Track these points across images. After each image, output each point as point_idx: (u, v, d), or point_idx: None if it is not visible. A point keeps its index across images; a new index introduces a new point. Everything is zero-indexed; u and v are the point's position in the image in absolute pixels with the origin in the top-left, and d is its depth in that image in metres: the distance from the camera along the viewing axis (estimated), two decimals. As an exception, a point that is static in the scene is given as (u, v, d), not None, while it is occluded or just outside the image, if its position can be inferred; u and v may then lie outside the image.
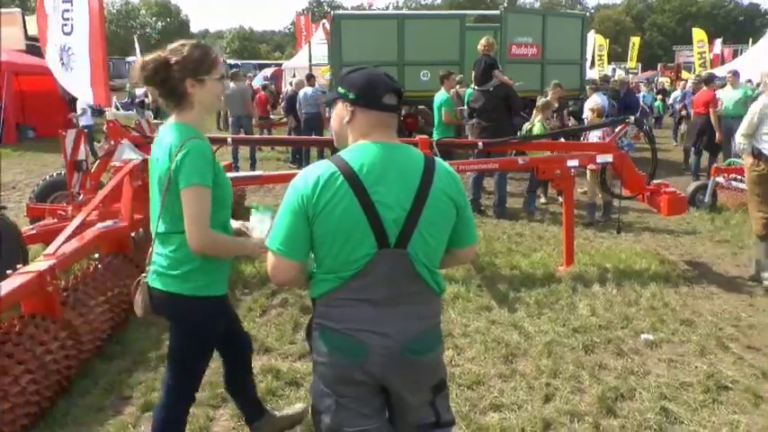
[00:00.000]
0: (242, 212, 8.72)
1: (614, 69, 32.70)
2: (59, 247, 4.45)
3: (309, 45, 22.82)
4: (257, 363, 4.37)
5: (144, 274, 2.78)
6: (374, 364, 2.12)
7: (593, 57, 29.41)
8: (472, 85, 9.42)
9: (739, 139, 6.19)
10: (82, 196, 6.36)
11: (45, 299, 3.93)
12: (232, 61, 49.89)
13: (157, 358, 4.42)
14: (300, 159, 13.16)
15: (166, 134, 2.63)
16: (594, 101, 10.90)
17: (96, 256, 5.17)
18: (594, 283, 5.98)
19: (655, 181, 6.84)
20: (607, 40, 33.86)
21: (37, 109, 18.08)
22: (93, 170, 6.65)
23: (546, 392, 3.97)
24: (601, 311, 5.32)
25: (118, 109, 20.32)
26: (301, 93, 13.15)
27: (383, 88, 2.14)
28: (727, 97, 12.78)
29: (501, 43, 12.80)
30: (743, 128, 6.10)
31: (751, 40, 34.26)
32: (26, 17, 20.94)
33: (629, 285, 5.92)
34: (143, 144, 6.43)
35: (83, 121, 12.87)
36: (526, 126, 9.55)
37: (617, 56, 49.29)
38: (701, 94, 12.14)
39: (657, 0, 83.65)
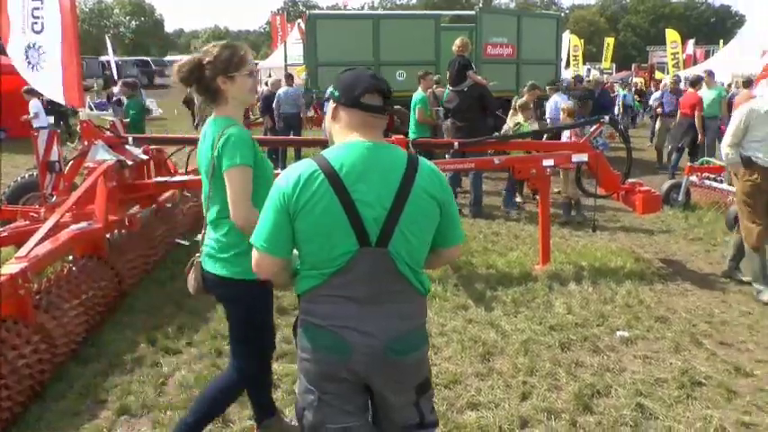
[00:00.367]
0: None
1: (589, 70, 32.91)
2: (32, 249, 4.37)
3: (285, 45, 22.70)
4: (234, 364, 4.35)
5: (198, 254, 2.96)
6: (357, 362, 2.14)
7: (568, 57, 29.64)
8: (447, 86, 9.47)
9: (726, 150, 5.79)
10: (55, 198, 6.27)
11: (17, 302, 3.85)
12: (207, 61, 49.74)
13: (133, 361, 4.38)
14: (277, 159, 13.09)
15: (208, 129, 2.85)
16: (555, 101, 11.04)
17: (70, 258, 5.10)
18: (570, 281, 6.03)
19: (629, 180, 6.92)
20: (582, 41, 34.14)
21: (8, 109, 17.77)
22: (65, 171, 6.56)
23: (523, 390, 3.99)
24: (577, 309, 5.36)
25: (92, 109, 20.06)
26: (280, 92, 13.07)
27: (364, 88, 2.16)
28: (703, 97, 12.98)
29: (476, 43, 12.87)
30: (728, 138, 5.74)
31: (722, 42, 34.80)
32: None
33: (604, 283, 5.97)
34: (117, 145, 6.35)
35: (36, 123, 12.69)
36: (509, 125, 9.57)
37: (592, 56, 49.77)
38: (687, 95, 12.28)
39: (631, 1, 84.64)
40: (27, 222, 5.99)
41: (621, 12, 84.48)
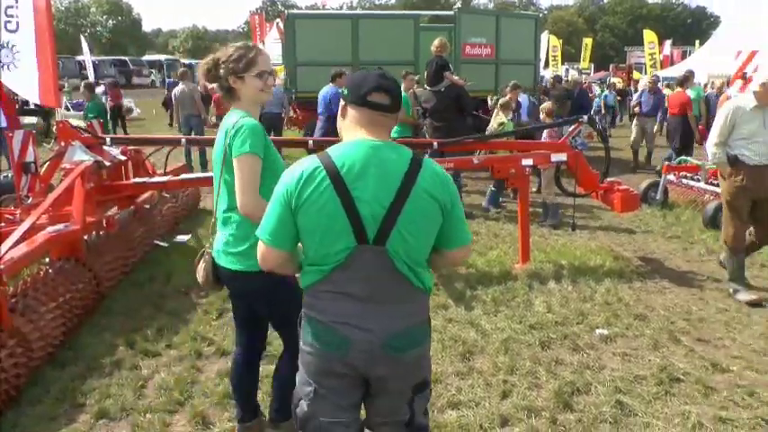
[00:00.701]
0: (197, 214, 8.60)
1: (567, 70, 33.20)
2: (7, 251, 4.32)
3: (263, 45, 22.63)
4: (213, 366, 4.33)
5: (208, 245, 3.04)
6: (356, 358, 2.18)
7: (547, 57, 29.83)
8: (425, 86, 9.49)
9: (712, 150, 5.68)
10: (31, 199, 6.19)
11: (-8, 305, 3.80)
12: (186, 60, 49.27)
13: (112, 364, 4.33)
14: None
15: (225, 121, 2.94)
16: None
17: (47, 260, 5.04)
18: (550, 279, 6.07)
19: (608, 179, 6.97)
20: (560, 41, 34.37)
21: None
22: (41, 172, 6.48)
23: (503, 389, 4.00)
24: (557, 308, 5.39)
25: (68, 109, 19.83)
26: None
27: (371, 87, 2.19)
28: (681, 97, 13.13)
29: (455, 43, 12.90)
30: (714, 137, 5.64)
31: (698, 42, 35.21)
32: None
33: (584, 282, 6.01)
34: (95, 145, 6.29)
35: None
36: (494, 125, 9.60)
37: (570, 56, 50.09)
38: (676, 95, 12.43)
39: (609, 2, 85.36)
40: (2, 224, 5.91)
41: (599, 12, 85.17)
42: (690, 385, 4.10)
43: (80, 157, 5.85)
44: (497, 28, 14.04)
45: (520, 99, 11.28)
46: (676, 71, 20.60)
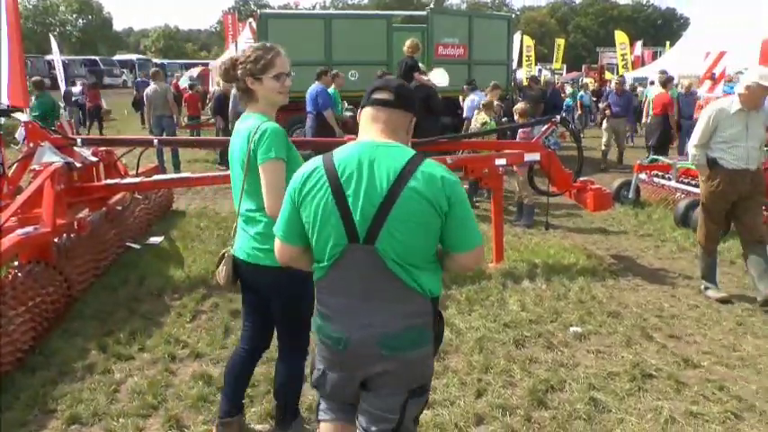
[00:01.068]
0: (170, 216, 8.52)
1: (540, 70, 33.46)
2: (-26, 254, 4.24)
3: (236, 44, 22.44)
4: (187, 369, 4.28)
5: (229, 247, 3.10)
6: (353, 354, 2.24)
7: (521, 57, 30.03)
8: None
9: (692, 151, 5.59)
10: (-1, 201, 6.08)
11: (-41, 309, 3.73)
12: (158, 60, 48.79)
13: (84, 368, 4.26)
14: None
15: (243, 123, 3.01)
16: (471, 99, 11.20)
17: (16, 263, 4.95)
18: (524, 278, 6.10)
19: (581, 178, 7.04)
20: (533, 42, 34.62)
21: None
22: (9, 174, 6.36)
23: (478, 387, 4.01)
24: (531, 306, 5.43)
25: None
26: (234, 91, 12.90)
27: (375, 88, 2.32)
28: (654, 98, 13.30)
29: (428, 44, 12.93)
30: (695, 138, 5.55)
31: (668, 43, 35.70)
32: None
33: (557, 280, 6.06)
34: (65, 146, 6.20)
35: None
36: (477, 125, 9.62)
37: (542, 57, 50.46)
38: (659, 96, 12.62)
39: (581, 3, 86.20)
40: (-30, 227, 5.81)
41: (571, 13, 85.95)
42: (662, 381, 4.15)
43: (50, 158, 5.76)
44: (470, 28, 14.09)
45: (475, 97, 11.32)
46: (647, 72, 20.87)
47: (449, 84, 10.66)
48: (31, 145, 6.07)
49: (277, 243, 2.39)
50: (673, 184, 9.10)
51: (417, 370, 2.30)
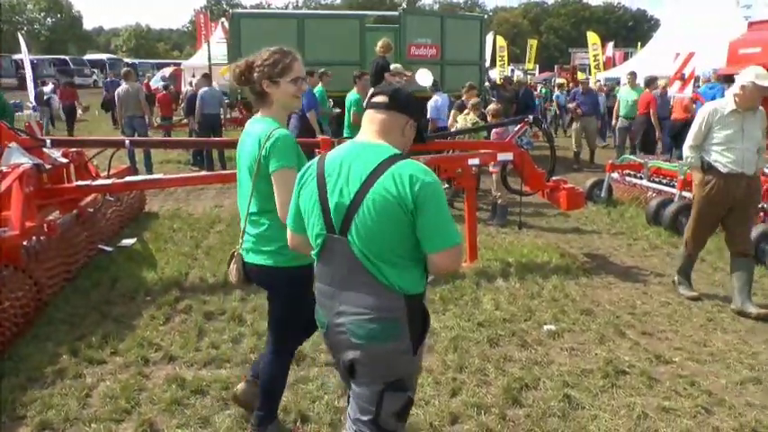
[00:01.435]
0: (142, 218, 8.43)
1: (513, 70, 33.64)
2: (-59, 258, 4.15)
3: (209, 44, 22.27)
4: (161, 372, 4.24)
5: (238, 247, 3.20)
6: (331, 338, 2.46)
7: (494, 57, 30.20)
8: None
9: (687, 153, 5.44)
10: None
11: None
12: (129, 60, 48.20)
13: (54, 373, 4.19)
14: (202, 161, 12.83)
15: (254, 126, 3.07)
16: (435, 100, 11.26)
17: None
18: (498, 277, 6.14)
19: (554, 177, 7.10)
20: (506, 42, 34.83)
21: None
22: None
23: (453, 387, 4.03)
24: (505, 305, 5.45)
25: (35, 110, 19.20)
26: (203, 92, 12.81)
27: (373, 93, 2.49)
28: (624, 98, 13.48)
29: (400, 44, 12.96)
30: (690, 139, 5.38)
31: (640, 44, 36.12)
32: None
33: (531, 279, 6.10)
34: (34, 147, 6.10)
35: None
36: (467, 125, 9.62)
37: (515, 57, 50.72)
38: (644, 95, 12.79)
39: (553, 4, 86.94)
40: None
41: (544, 14, 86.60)
42: (635, 377, 4.20)
43: (18, 159, 5.67)
44: (442, 29, 14.14)
45: (438, 98, 11.36)
46: (618, 72, 21.10)
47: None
48: (-1, 146, 5.97)
49: (288, 232, 2.61)
50: (644, 182, 9.22)
51: (389, 363, 2.35)
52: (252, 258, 3.12)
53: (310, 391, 3.95)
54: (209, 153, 12.75)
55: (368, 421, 2.37)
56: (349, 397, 2.55)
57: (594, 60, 28.15)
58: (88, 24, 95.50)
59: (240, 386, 3.55)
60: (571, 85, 24.25)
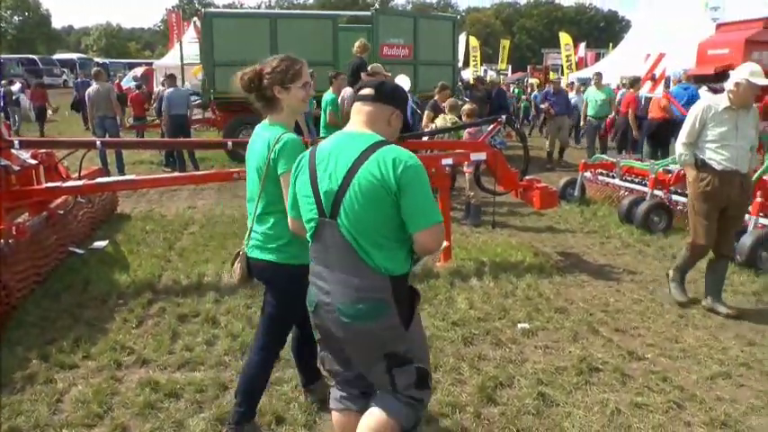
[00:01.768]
0: (114, 220, 8.33)
1: (486, 70, 33.85)
2: None
3: (181, 44, 22.05)
4: (134, 376, 4.19)
5: (244, 246, 3.30)
6: (321, 317, 2.61)
7: (467, 57, 30.34)
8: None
9: (680, 149, 5.34)
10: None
11: None
12: (100, 60, 47.54)
13: (24, 378, 4.12)
14: (175, 162, 12.71)
15: (264, 131, 3.20)
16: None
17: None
18: (472, 276, 6.16)
19: (527, 177, 7.14)
20: (479, 43, 35.01)
21: None
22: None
23: (429, 386, 4.03)
24: (479, 304, 5.48)
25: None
26: (169, 93, 12.68)
27: (362, 86, 2.65)
28: (592, 98, 13.64)
29: (373, 44, 12.95)
30: (683, 136, 5.29)
31: (611, 45, 36.52)
32: None
33: (505, 278, 6.13)
34: (2, 148, 5.99)
35: None
36: (446, 124, 9.62)
37: (488, 58, 51.02)
38: (627, 95, 12.95)
39: (526, 5, 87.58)
40: None
41: (516, 15, 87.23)
42: (608, 374, 4.25)
43: (-15, 161, 5.57)
44: (415, 29, 14.17)
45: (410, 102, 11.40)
46: (590, 72, 21.29)
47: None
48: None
49: (289, 219, 2.81)
50: (617, 181, 9.32)
51: (378, 340, 2.53)
52: (256, 254, 3.23)
53: (285, 393, 3.93)
54: (180, 154, 12.64)
55: (389, 391, 2.62)
56: (330, 394, 2.80)
57: (567, 61, 28.43)
58: (57, 23, 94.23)
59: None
60: (549, 84, 24.54)
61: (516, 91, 24.34)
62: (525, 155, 7.41)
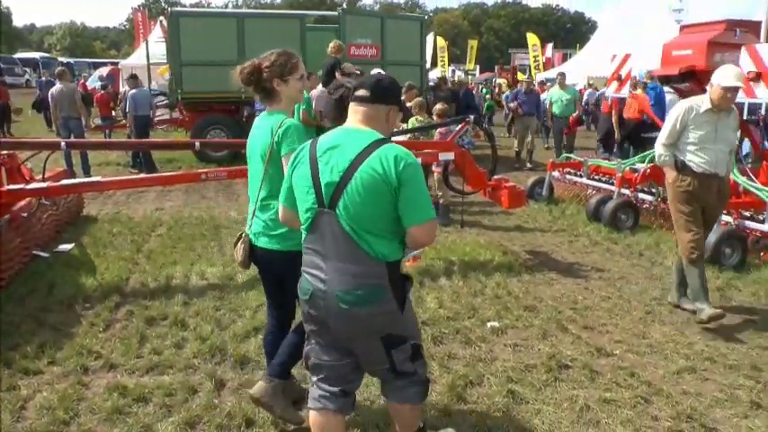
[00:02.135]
0: (80, 223, 8.20)
1: (454, 71, 34.04)
2: None
3: (147, 43, 21.77)
4: (101, 381, 4.12)
5: (246, 229, 3.47)
6: (316, 305, 2.68)
7: (435, 58, 30.46)
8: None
9: (660, 150, 5.27)
10: None
11: None
12: (64, 59, 46.69)
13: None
14: (141, 163, 12.54)
15: (264, 120, 3.39)
16: None
17: None
18: (441, 276, 6.19)
19: (495, 176, 7.19)
20: (446, 43, 35.18)
21: None
22: None
23: (400, 385, 4.03)
24: (448, 303, 5.49)
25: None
26: (134, 93, 12.52)
27: (357, 86, 2.75)
28: (557, 98, 13.80)
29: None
30: (663, 137, 5.24)
31: (578, 46, 36.97)
32: None
33: (474, 277, 6.16)
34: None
35: None
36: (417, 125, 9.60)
37: (456, 58, 51.36)
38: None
39: (493, 5, 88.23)
40: None
41: (484, 15, 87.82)
42: (577, 370, 4.29)
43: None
44: (382, 29, 14.18)
45: None
46: (555, 73, 21.56)
47: None
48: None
49: (280, 208, 2.90)
50: (584, 180, 9.42)
51: (376, 323, 2.66)
52: (262, 243, 3.38)
53: (256, 395, 3.89)
54: (146, 155, 12.47)
55: (387, 369, 2.78)
56: (308, 394, 2.89)
57: (534, 61, 28.73)
58: (18, 21, 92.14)
59: (258, 385, 3.55)
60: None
61: (484, 91, 24.52)
62: (493, 154, 7.46)
